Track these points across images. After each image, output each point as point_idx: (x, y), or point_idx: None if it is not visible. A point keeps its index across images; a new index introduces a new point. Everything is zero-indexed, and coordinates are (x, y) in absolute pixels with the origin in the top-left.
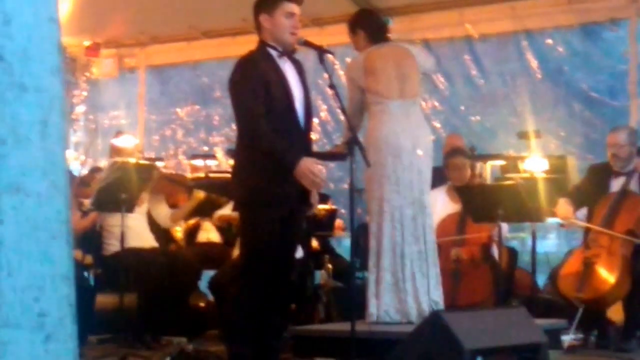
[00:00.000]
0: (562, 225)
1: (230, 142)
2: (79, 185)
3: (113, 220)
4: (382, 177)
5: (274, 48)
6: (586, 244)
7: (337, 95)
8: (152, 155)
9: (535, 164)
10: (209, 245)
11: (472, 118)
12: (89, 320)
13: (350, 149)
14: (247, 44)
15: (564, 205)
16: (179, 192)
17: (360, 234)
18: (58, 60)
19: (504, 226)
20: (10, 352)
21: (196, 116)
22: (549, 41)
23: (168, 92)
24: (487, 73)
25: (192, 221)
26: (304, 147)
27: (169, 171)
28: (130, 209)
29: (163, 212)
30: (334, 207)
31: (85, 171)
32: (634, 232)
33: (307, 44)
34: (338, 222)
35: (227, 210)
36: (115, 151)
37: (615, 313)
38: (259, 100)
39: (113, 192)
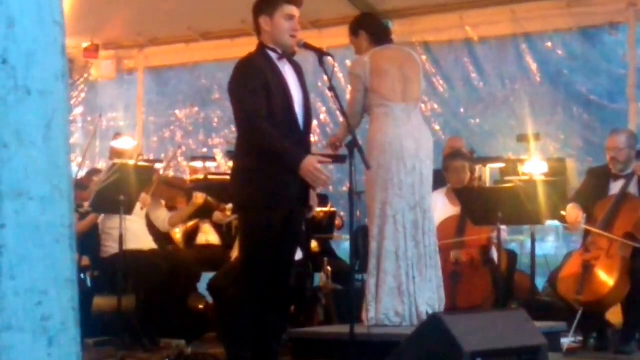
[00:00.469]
0: (566, 229)
1: (229, 144)
2: (75, 188)
3: (111, 223)
4: (385, 180)
5: (274, 50)
6: (585, 247)
7: (336, 97)
8: (151, 157)
9: (534, 167)
10: (208, 247)
11: (472, 121)
12: (86, 322)
13: (350, 151)
14: (246, 46)
15: (573, 211)
16: (178, 195)
17: (359, 237)
18: (62, 64)
19: (503, 229)
20: (13, 355)
21: (195, 118)
22: (549, 44)
23: (167, 93)
24: (486, 76)
25: (191, 223)
26: (304, 149)
27: (168, 173)
28: (129, 211)
29: (162, 216)
30: (333, 209)
31: (82, 173)
32: (633, 235)
33: (306, 46)
34: (338, 221)
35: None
36: (115, 154)
37: (614, 315)
38: (260, 101)
39: (112, 194)
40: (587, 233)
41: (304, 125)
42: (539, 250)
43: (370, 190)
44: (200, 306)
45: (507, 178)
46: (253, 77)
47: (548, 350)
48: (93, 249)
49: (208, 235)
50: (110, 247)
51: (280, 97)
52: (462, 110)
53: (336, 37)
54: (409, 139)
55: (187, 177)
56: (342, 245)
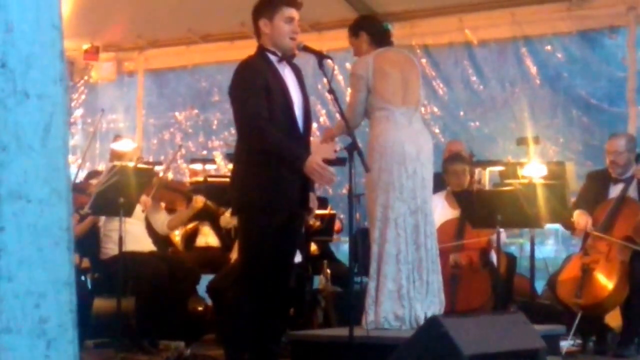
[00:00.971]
0: (573, 233)
1: (228, 146)
2: (74, 191)
3: (111, 225)
4: (387, 184)
5: (273, 53)
6: (584, 250)
7: (336, 100)
8: (150, 159)
9: (534, 170)
10: (208, 249)
11: (471, 124)
12: (86, 324)
13: (349, 154)
14: (246, 48)
15: (582, 217)
16: (177, 198)
17: (359, 239)
18: (61, 68)
19: (503, 232)
20: (11, 358)
21: (195, 120)
22: (548, 48)
23: (166, 96)
24: (486, 79)
25: (190, 225)
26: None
27: (168, 175)
28: (128, 213)
29: (161, 219)
30: (332, 211)
31: (83, 174)
32: (632, 238)
33: (306, 49)
34: (337, 225)
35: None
36: (115, 155)
37: (614, 319)
38: (261, 102)
39: (111, 196)
40: (586, 236)
41: (304, 128)
42: (538, 254)
43: (371, 193)
44: (200, 308)
45: (506, 181)
46: (253, 79)
47: (547, 354)
48: (93, 251)
49: (207, 238)
50: (110, 249)
51: (280, 99)
52: (461, 113)
53: (336, 40)
54: (410, 143)
55: (187, 179)
56: (342, 248)
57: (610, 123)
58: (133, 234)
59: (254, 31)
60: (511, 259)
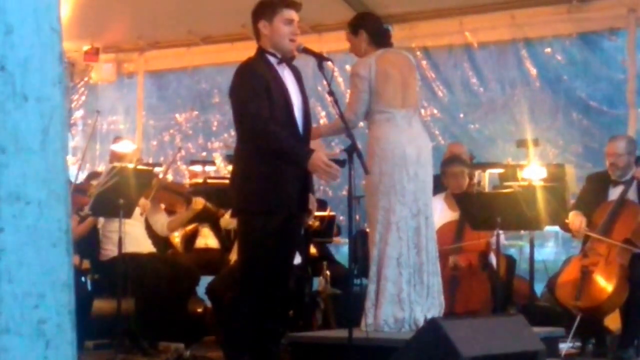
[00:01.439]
0: (572, 235)
1: (228, 148)
2: (74, 192)
3: (111, 226)
4: (388, 187)
5: (273, 55)
6: (584, 253)
7: (335, 102)
8: (150, 160)
9: (533, 172)
10: (207, 251)
11: (471, 126)
12: (85, 325)
13: (349, 156)
14: (246, 50)
15: (577, 218)
16: (177, 200)
17: (358, 241)
18: (59, 71)
19: (502, 234)
20: (9, 359)
21: (195, 122)
22: (548, 50)
23: (167, 97)
24: (486, 81)
25: (190, 227)
26: None
27: (167, 177)
28: (128, 214)
29: (160, 220)
30: (332, 213)
31: (83, 175)
32: (632, 240)
33: (306, 51)
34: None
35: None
36: (115, 157)
37: (613, 321)
38: (262, 103)
39: (111, 198)
40: (586, 239)
41: (304, 130)
42: (537, 256)
43: (372, 196)
44: (199, 310)
45: (506, 183)
46: (254, 80)
47: (546, 356)
48: (93, 252)
49: (207, 239)
50: (110, 251)
51: (280, 101)
52: (461, 115)
53: (336, 42)
54: (411, 146)
55: (186, 180)
56: (341, 250)
57: (610, 125)
58: (133, 236)
59: (253, 33)
60: (511, 261)
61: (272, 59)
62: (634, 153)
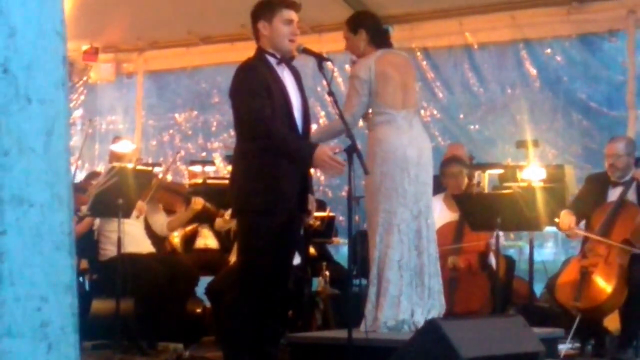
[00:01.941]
0: (568, 236)
1: (228, 148)
2: (74, 191)
3: (110, 226)
4: (389, 189)
5: (272, 55)
6: (583, 253)
7: (335, 102)
8: (150, 160)
9: (533, 173)
10: (207, 251)
11: (471, 127)
12: (84, 325)
13: (349, 156)
14: (246, 50)
15: (566, 217)
16: (176, 200)
17: (357, 241)
18: (63, 73)
19: (502, 235)
20: None
21: (194, 122)
22: (548, 51)
23: (166, 97)
24: (486, 82)
25: (189, 227)
26: None
27: (167, 177)
28: (127, 214)
29: (160, 220)
30: (331, 214)
31: (82, 175)
32: (631, 241)
33: (306, 51)
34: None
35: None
36: (115, 157)
37: (612, 322)
38: (264, 102)
39: (110, 198)
40: (585, 239)
41: (303, 130)
42: (537, 256)
43: (373, 198)
44: (198, 310)
45: (505, 184)
46: (255, 80)
47: (545, 357)
48: (91, 252)
49: (207, 239)
50: (109, 250)
51: (280, 101)
52: (461, 116)
53: (336, 42)
54: (412, 147)
55: (186, 181)
56: (341, 250)
57: (609, 126)
58: (132, 236)
59: (253, 33)
60: (510, 262)
61: (271, 60)
62: (633, 154)
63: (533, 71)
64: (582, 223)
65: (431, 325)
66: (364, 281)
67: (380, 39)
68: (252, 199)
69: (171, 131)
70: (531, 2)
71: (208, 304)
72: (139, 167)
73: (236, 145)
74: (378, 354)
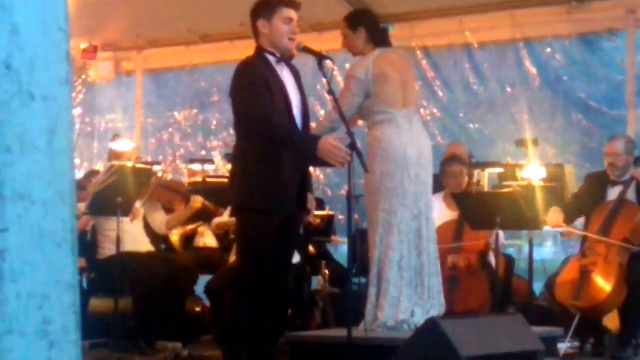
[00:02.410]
0: (562, 235)
1: (227, 146)
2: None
3: (109, 225)
4: (390, 189)
5: (272, 54)
6: (583, 252)
7: (335, 101)
8: (149, 159)
9: (533, 172)
10: (206, 250)
11: (471, 125)
12: (82, 324)
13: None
14: (245, 48)
15: (554, 214)
16: (175, 198)
17: (357, 240)
18: (66, 70)
19: (501, 234)
20: (14, 359)
21: (194, 120)
22: (548, 50)
23: (165, 96)
24: (486, 81)
25: (191, 227)
26: None
27: (167, 176)
28: (126, 213)
29: (159, 219)
30: (331, 212)
31: (80, 174)
32: (630, 240)
33: (306, 50)
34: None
35: (225, 217)
36: (114, 155)
37: (612, 321)
38: (265, 99)
39: (109, 196)
40: (585, 239)
41: (302, 129)
42: (536, 255)
43: (373, 198)
44: (198, 309)
45: (505, 183)
46: (255, 78)
47: (545, 356)
48: (90, 251)
49: (206, 238)
50: (108, 249)
51: (279, 100)
52: (461, 115)
53: (336, 41)
54: (412, 147)
55: (185, 179)
56: (340, 249)
57: (609, 126)
58: (131, 234)
59: (252, 32)
60: (510, 261)
61: (271, 58)
62: (633, 153)
63: (533, 70)
64: (581, 222)
65: (431, 324)
66: (363, 280)
67: (379, 38)
68: (251, 197)
69: (171, 130)
70: (531, 2)
71: (207, 303)
72: (138, 165)
73: (236, 144)
74: (378, 353)
